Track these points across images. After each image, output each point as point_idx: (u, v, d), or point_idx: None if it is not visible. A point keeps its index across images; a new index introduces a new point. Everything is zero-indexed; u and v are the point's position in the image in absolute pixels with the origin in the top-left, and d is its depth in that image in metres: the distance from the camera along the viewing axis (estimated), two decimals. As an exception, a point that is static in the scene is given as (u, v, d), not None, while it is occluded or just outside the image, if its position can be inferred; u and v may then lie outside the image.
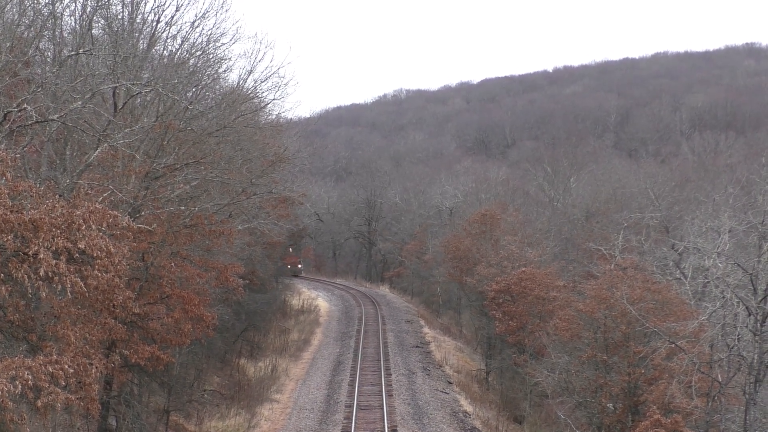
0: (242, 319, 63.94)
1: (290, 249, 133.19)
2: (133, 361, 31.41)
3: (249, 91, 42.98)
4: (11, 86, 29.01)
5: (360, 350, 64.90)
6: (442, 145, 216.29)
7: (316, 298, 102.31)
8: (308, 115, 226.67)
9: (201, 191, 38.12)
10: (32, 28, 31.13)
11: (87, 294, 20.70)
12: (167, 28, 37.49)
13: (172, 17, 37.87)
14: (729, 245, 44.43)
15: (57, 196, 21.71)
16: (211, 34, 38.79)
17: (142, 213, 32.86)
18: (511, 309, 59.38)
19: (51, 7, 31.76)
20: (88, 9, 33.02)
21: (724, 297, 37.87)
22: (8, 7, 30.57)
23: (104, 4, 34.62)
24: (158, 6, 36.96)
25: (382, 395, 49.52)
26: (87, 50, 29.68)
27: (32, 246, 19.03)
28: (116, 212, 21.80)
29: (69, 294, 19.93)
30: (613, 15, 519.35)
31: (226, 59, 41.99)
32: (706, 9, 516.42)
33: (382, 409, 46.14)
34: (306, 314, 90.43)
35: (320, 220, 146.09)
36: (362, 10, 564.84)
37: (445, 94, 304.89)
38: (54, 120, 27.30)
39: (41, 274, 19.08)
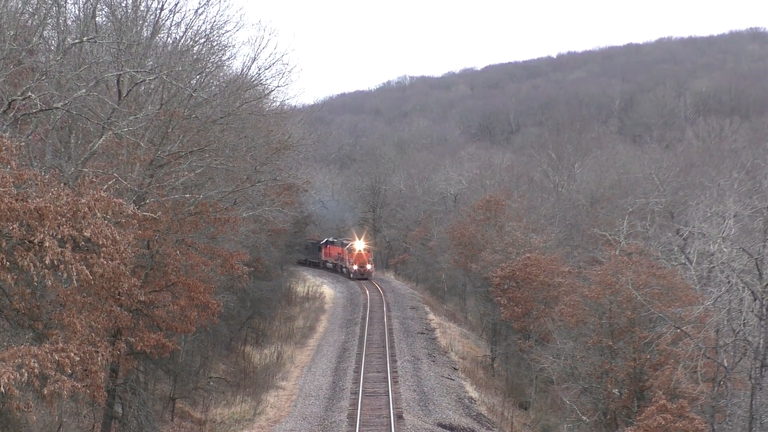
0: (247, 306, 63.95)
1: (359, 238, 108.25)
2: (139, 348, 31.47)
3: (253, 79, 42.96)
4: (15, 74, 28.97)
5: (365, 337, 64.83)
6: (446, 132, 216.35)
7: (321, 285, 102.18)
8: (312, 103, 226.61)
9: (205, 179, 38.10)
10: (36, 16, 31.09)
11: (92, 282, 20.71)
12: (171, 16, 37.45)
13: (176, 4, 38.02)
14: (734, 230, 44.45)
15: (62, 184, 21.70)
16: (214, 21, 38.83)
17: (147, 201, 32.85)
18: (517, 295, 59.41)
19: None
20: (92, -3, 32.96)
21: (729, 282, 37.84)
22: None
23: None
24: (162, -7, 36.88)
25: (387, 382, 49.54)
26: (91, 38, 29.62)
27: (38, 234, 19.02)
28: (121, 200, 21.78)
29: (75, 282, 19.91)
30: (616, 0, 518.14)
31: (230, 46, 41.96)
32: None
33: (388, 395, 46.17)
34: (311, 301, 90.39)
35: (325, 207, 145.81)
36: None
37: (449, 81, 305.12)
38: (58, 108, 27.30)
39: (47, 262, 19.06)
